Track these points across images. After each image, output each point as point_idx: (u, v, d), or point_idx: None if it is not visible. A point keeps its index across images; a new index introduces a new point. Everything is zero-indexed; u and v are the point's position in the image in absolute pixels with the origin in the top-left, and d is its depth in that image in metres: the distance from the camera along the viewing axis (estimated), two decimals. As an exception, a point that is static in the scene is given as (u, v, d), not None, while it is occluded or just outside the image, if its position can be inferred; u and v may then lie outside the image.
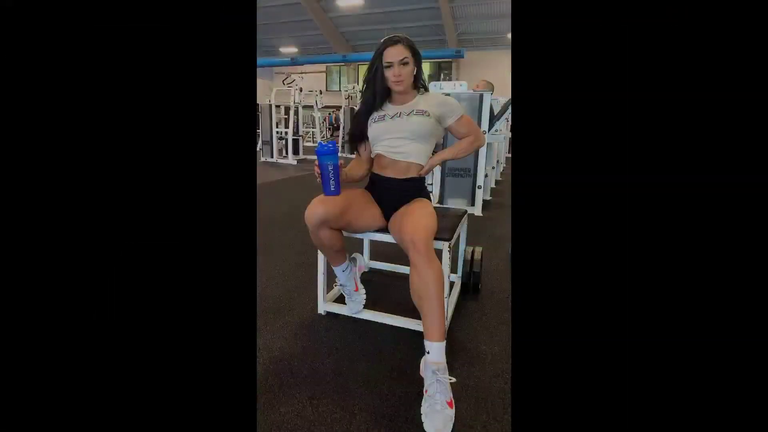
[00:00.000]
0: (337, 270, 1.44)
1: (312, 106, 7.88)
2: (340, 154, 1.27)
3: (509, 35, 11.08)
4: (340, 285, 1.49)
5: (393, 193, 1.40)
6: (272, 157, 6.91)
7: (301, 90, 7.16)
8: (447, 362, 1.05)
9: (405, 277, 1.91)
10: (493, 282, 1.91)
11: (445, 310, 1.10)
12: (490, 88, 3.35)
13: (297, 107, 7.01)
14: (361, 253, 1.91)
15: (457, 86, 3.40)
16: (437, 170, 1.87)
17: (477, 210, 3.29)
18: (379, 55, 1.32)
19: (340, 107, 10.38)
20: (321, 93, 7.79)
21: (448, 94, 1.65)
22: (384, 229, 1.41)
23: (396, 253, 2.20)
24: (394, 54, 1.29)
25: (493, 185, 4.24)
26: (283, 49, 17.81)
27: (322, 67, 17.50)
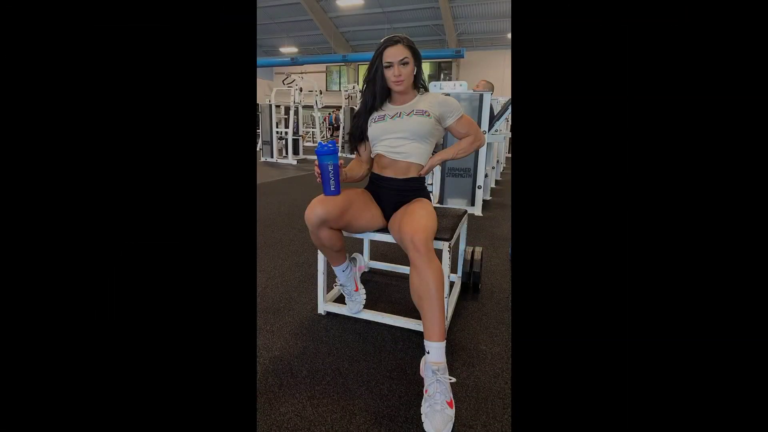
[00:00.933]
0: (337, 270, 1.44)
1: (312, 106, 7.89)
2: (340, 154, 1.27)
3: (509, 35, 11.08)
4: (340, 285, 1.49)
5: (393, 193, 1.40)
6: (272, 157, 6.91)
7: (301, 90, 7.17)
8: (447, 362, 1.05)
9: (405, 277, 1.92)
10: (493, 282, 1.91)
11: (445, 310, 1.10)
12: (490, 88, 3.35)
13: (297, 107, 7.01)
14: (361, 253, 1.91)
15: (457, 86, 3.40)
16: (437, 170, 1.88)
17: (477, 210, 3.29)
18: (379, 55, 1.32)
19: (340, 107, 10.39)
20: (321, 93, 7.79)
21: (448, 94, 1.65)
22: (384, 229, 1.41)
23: (396, 253, 2.20)
24: (394, 54, 1.29)
25: (493, 185, 4.24)
26: (283, 49, 17.83)
27: (322, 67, 17.51)
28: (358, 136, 1.45)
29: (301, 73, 13.04)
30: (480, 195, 3.29)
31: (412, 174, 1.40)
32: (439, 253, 1.23)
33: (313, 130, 9.69)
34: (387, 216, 1.40)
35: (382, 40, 1.34)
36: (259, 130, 7.13)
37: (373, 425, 1.00)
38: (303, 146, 7.75)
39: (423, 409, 1.00)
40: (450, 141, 2.86)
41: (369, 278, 1.92)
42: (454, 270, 1.80)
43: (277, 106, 7.04)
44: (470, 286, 1.81)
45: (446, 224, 1.43)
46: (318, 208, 1.23)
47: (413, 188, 1.40)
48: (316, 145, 1.25)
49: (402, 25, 14.43)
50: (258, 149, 7.34)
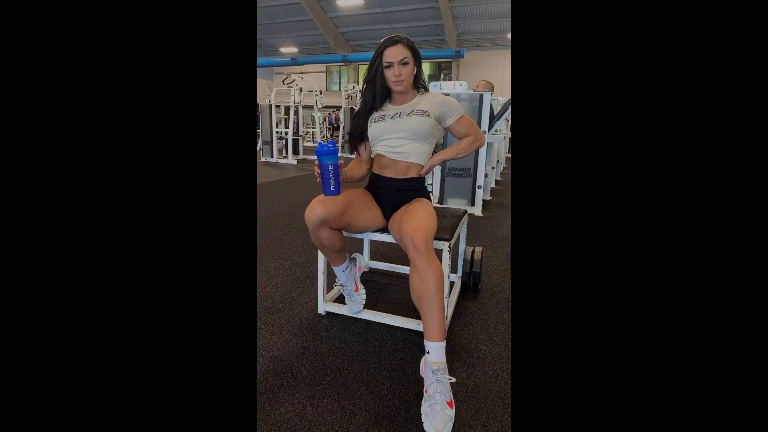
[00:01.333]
0: (337, 270, 1.44)
1: (312, 106, 7.89)
2: (340, 154, 1.27)
3: (509, 35, 11.09)
4: (340, 285, 1.49)
5: (393, 193, 1.40)
6: (272, 157, 6.91)
7: (301, 90, 7.17)
8: (447, 362, 1.05)
9: (405, 277, 1.92)
10: (493, 282, 1.91)
11: (445, 310, 1.10)
12: (490, 88, 3.35)
13: (297, 107, 7.01)
14: (361, 253, 1.91)
15: (457, 86, 3.40)
16: (437, 170, 1.88)
17: (477, 210, 3.29)
18: (379, 55, 1.32)
19: (340, 107, 10.39)
20: (321, 93, 7.79)
21: (448, 94, 1.65)
22: (384, 229, 1.41)
23: (396, 253, 2.20)
24: (394, 54, 1.29)
25: (493, 185, 4.24)
26: (283, 49, 17.83)
27: (322, 67, 17.51)
28: (358, 136, 1.45)
29: (301, 73, 13.04)
30: (480, 195, 3.29)
31: (412, 174, 1.40)
32: (439, 253, 1.23)
33: (313, 130, 9.70)
34: (387, 216, 1.40)
35: (382, 40, 1.33)
36: (259, 130, 7.14)
37: (373, 425, 1.00)
38: (303, 146, 7.76)
39: (423, 409, 1.00)
40: (450, 141, 2.86)
41: (369, 278, 1.92)
42: (454, 270, 1.80)
43: (277, 106, 7.04)
44: (470, 286, 1.81)
45: (446, 224, 1.43)
46: (318, 208, 1.23)
47: (413, 188, 1.40)
48: (316, 145, 1.25)
49: (402, 25, 14.43)
50: (258, 149, 7.34)
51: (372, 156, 1.46)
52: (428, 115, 1.35)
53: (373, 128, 1.39)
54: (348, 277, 1.47)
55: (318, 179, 1.26)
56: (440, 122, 1.40)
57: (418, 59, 1.34)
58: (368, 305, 1.54)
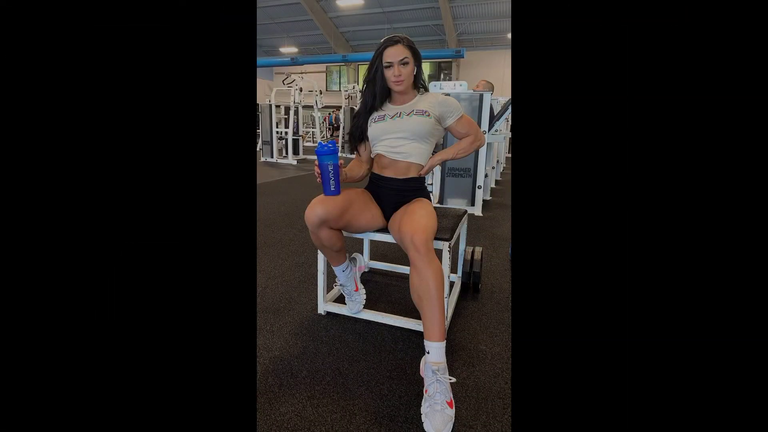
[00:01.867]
0: (337, 270, 1.44)
1: (312, 106, 7.89)
2: (340, 154, 1.27)
3: (509, 35, 11.09)
4: (340, 285, 1.49)
5: (393, 193, 1.40)
6: (272, 157, 6.91)
7: (301, 90, 7.17)
8: (447, 362, 1.05)
9: (405, 277, 1.92)
10: (493, 282, 1.91)
11: (445, 310, 1.10)
12: (490, 88, 3.35)
13: (297, 107, 7.01)
14: (361, 253, 1.91)
15: (457, 86, 3.40)
16: (437, 170, 1.88)
17: (477, 210, 3.29)
18: (379, 55, 1.32)
19: (340, 107, 10.39)
20: (321, 93, 7.79)
21: (448, 94, 1.65)
22: (384, 229, 1.41)
23: (396, 253, 2.21)
24: (394, 54, 1.29)
25: (493, 185, 4.24)
26: (283, 49, 17.83)
27: (322, 67, 17.52)
28: (358, 136, 1.45)
29: (301, 73, 13.06)
30: (480, 195, 3.29)
31: (412, 174, 1.40)
32: (439, 253, 1.23)
33: (313, 130, 9.70)
34: (387, 216, 1.40)
35: (382, 40, 1.34)
36: (259, 130, 7.14)
37: (373, 425, 1.00)
38: (303, 146, 7.76)
39: (423, 409, 1.00)
40: (450, 141, 2.86)
41: (369, 278, 1.92)
42: (454, 270, 1.80)
43: (277, 106, 7.04)
44: (470, 286, 1.81)
45: (446, 224, 1.43)
46: (318, 208, 1.23)
47: (413, 188, 1.40)
48: (316, 145, 1.25)
49: (402, 25, 14.44)
50: (258, 149, 7.34)
51: (372, 156, 1.46)
52: (428, 115, 1.35)
53: (373, 128, 1.39)
54: (348, 277, 1.47)
55: (318, 179, 1.26)
56: (440, 122, 1.40)
57: (418, 59, 1.34)
58: (368, 305, 1.54)
